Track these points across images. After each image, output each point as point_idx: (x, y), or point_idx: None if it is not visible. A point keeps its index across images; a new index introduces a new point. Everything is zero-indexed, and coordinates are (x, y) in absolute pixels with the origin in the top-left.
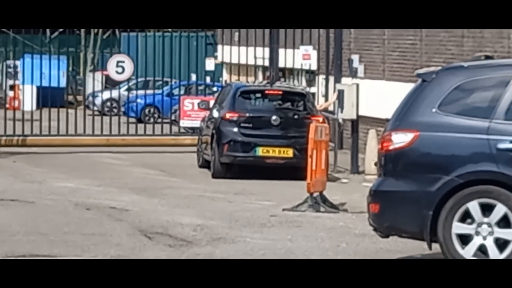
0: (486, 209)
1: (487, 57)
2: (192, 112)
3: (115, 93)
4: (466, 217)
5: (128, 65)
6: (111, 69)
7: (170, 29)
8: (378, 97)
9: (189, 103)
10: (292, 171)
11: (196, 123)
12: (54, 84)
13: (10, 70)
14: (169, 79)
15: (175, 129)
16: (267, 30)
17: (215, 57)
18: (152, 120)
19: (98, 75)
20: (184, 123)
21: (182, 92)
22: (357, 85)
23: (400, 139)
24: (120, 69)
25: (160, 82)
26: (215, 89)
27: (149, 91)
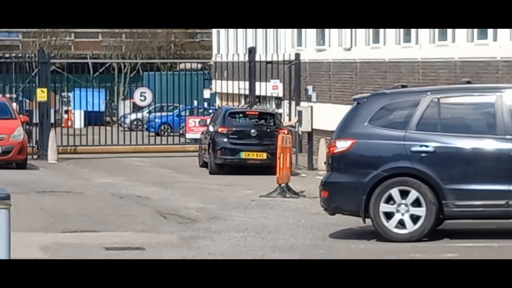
0: (404, 194)
1: (403, 86)
2: (194, 127)
3: (140, 115)
4: (390, 199)
5: (149, 95)
6: (136, 98)
7: (178, 69)
8: (326, 115)
9: (192, 121)
10: (266, 168)
11: (198, 135)
12: (96, 109)
13: (65, 99)
14: (178, 105)
15: (182, 140)
16: (247, 69)
17: (211, 88)
18: (166, 134)
19: (127, 102)
20: (189, 135)
21: (187, 113)
22: (311, 107)
23: (342, 145)
24: (143, 98)
25: (172, 107)
26: (211, 111)
27: (164, 113)
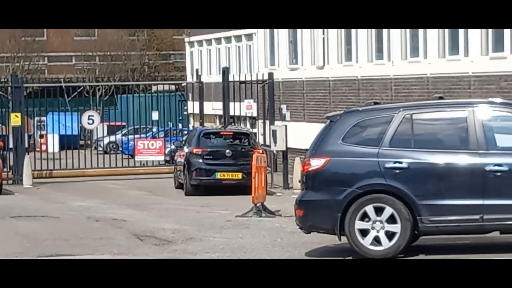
0: (378, 211)
1: (376, 103)
2: (143, 150)
3: (114, 137)
4: (365, 217)
5: (96, 118)
6: (84, 121)
7: (153, 91)
8: (300, 134)
9: (141, 144)
10: (241, 188)
11: (147, 158)
12: (71, 132)
13: (41, 123)
14: (152, 126)
15: (157, 162)
16: (220, 89)
17: (186, 110)
18: None
19: (102, 125)
20: (138, 158)
21: (162, 135)
22: (286, 126)
23: (316, 163)
24: (90, 121)
25: (147, 129)
26: (185, 132)
27: (139, 135)
